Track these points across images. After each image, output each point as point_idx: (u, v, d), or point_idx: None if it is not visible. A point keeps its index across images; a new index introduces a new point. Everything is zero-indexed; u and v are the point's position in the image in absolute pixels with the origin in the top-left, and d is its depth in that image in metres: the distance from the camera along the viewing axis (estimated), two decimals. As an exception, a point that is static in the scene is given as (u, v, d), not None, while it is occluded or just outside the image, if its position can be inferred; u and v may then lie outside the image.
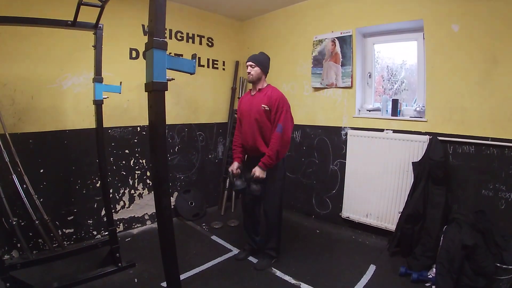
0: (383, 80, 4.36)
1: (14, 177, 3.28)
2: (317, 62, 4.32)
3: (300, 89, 4.60)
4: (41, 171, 3.59)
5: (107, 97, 3.14)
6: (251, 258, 3.53)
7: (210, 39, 4.95)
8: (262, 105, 3.17)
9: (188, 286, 2.97)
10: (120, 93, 3.29)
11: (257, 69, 3.22)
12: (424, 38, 3.50)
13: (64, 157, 3.71)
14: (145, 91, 1.59)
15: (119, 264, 3.20)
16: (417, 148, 3.52)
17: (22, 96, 3.39)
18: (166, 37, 4.19)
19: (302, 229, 4.33)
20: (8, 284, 2.60)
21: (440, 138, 3.38)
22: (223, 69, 5.15)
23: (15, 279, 2.67)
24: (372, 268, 3.31)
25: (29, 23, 2.81)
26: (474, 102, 3.22)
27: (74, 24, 2.82)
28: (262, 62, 3.25)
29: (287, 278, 3.18)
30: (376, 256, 3.56)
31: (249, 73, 3.24)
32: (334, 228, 4.28)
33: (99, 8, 2.74)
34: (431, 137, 3.43)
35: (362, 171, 3.99)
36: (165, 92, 1.64)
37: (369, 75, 4.13)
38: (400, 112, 3.82)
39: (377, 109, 4.00)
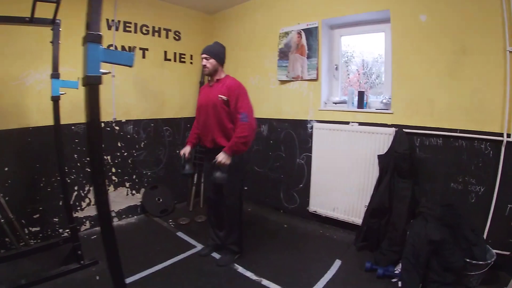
0: (358, 74, 3.87)
1: None
2: (283, 54, 3.79)
3: (266, 82, 4.06)
4: (6, 169, 3.12)
5: (65, 93, 2.77)
6: (215, 254, 3.10)
7: (177, 33, 4.34)
8: (219, 96, 2.74)
9: (149, 283, 2.63)
10: (77, 88, 2.77)
11: (212, 61, 2.78)
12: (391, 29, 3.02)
13: (29, 155, 3.24)
14: (82, 85, 1.40)
15: (81, 262, 2.84)
16: (383, 140, 3.05)
17: None
18: (131, 31, 3.71)
19: (270, 224, 3.83)
20: None
21: (406, 130, 2.93)
22: (191, 63, 4.54)
23: None
24: (337, 263, 2.90)
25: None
26: (442, 93, 2.77)
27: (31, 21, 2.53)
28: (217, 53, 2.81)
29: (248, 274, 2.79)
30: (343, 251, 3.12)
31: (204, 65, 2.79)
32: (302, 223, 3.79)
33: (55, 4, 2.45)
34: (396, 129, 2.96)
35: (328, 164, 3.50)
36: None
37: (336, 68, 3.63)
38: (366, 104, 3.34)
39: (344, 102, 3.50)
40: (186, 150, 2.95)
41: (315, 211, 3.66)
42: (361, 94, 3.32)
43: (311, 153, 3.65)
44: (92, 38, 1.38)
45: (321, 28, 3.46)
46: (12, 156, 3.14)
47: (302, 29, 3.58)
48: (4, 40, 2.99)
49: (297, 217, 3.89)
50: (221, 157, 2.60)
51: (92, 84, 1.42)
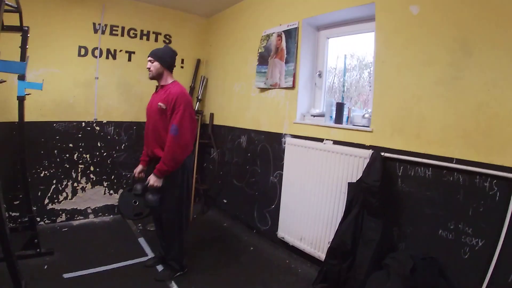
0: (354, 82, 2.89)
1: None
2: (263, 59, 2.94)
3: (248, 89, 3.21)
4: None
5: (30, 94, 2.49)
6: (160, 267, 2.47)
7: (167, 36, 3.68)
8: (159, 103, 2.16)
9: (84, 282, 2.22)
10: (41, 90, 2.49)
11: (156, 64, 2.21)
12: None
13: (13, 148, 2.83)
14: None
15: (38, 250, 2.56)
16: (357, 165, 2.08)
17: None
18: (118, 35, 3.00)
19: (237, 244, 2.98)
20: None
21: (386, 154, 1.93)
22: (182, 67, 3.84)
23: None
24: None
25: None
26: (435, 107, 1.76)
27: (2, 28, 2.21)
28: (162, 56, 2.23)
29: (180, 296, 2.13)
30: (301, 288, 2.20)
31: (148, 68, 2.23)
32: (271, 248, 2.87)
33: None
34: (373, 152, 1.96)
35: (298, 186, 2.56)
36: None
37: (319, 74, 2.69)
38: (348, 119, 2.38)
39: (323, 115, 2.55)
40: (137, 169, 2.43)
41: (283, 238, 2.72)
42: (339, 107, 2.36)
43: (283, 172, 2.74)
44: None
45: (301, 28, 2.56)
46: None
47: (283, 31, 2.71)
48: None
49: (267, 241, 2.96)
50: (152, 180, 2.11)
51: None
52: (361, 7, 2.12)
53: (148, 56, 2.23)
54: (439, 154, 1.71)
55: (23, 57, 2.37)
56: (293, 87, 2.65)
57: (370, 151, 2.00)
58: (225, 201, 3.63)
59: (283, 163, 2.72)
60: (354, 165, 2.10)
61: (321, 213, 2.34)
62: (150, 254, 2.68)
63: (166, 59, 2.23)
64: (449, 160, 1.67)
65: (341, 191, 2.17)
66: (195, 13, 3.84)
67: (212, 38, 3.91)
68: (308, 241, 2.46)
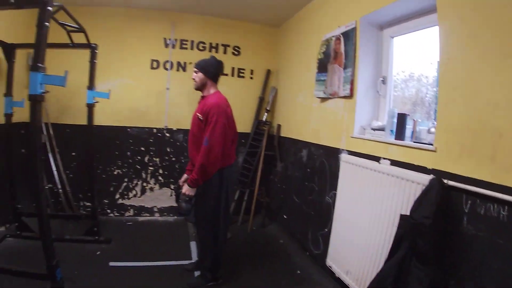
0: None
1: (50, 155, 3.41)
2: (322, 66, 2.75)
3: (310, 99, 3.04)
4: (73, 154, 3.58)
5: (98, 101, 2.94)
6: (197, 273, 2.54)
7: (236, 48, 3.86)
8: (197, 114, 2.29)
9: (120, 272, 2.49)
10: (108, 98, 2.98)
11: (200, 74, 2.33)
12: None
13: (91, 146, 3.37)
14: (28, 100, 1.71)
15: (96, 237, 2.99)
16: (414, 193, 1.69)
17: (63, 97, 3.42)
18: (187, 48, 3.51)
19: (285, 264, 2.84)
20: (17, 224, 2.91)
21: (450, 182, 1.52)
22: (251, 78, 3.94)
23: (23, 223, 2.91)
24: None
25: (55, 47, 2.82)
26: (519, 121, 1.29)
27: (74, 46, 2.82)
28: (205, 66, 2.34)
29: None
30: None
31: (193, 79, 2.38)
32: (318, 275, 2.63)
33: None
34: (432, 178, 1.58)
35: (349, 211, 2.28)
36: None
37: (383, 81, 2.35)
38: (413, 133, 1.99)
39: (383, 129, 2.21)
40: (182, 179, 2.55)
41: (330, 267, 2.45)
42: (401, 118, 2.00)
43: (337, 192, 2.48)
44: (34, 68, 1.70)
45: (358, 28, 2.29)
46: (78, 144, 3.48)
47: (341, 33, 2.49)
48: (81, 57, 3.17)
49: (317, 266, 2.73)
50: (184, 189, 2.24)
51: (34, 100, 1.73)
52: None
53: (193, 67, 2.37)
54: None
55: (92, 70, 2.85)
56: (351, 96, 2.38)
57: (430, 177, 1.62)
58: (285, 216, 3.52)
59: (338, 183, 2.47)
60: (411, 192, 1.72)
61: (370, 246, 2.00)
62: (195, 259, 2.80)
63: (210, 69, 2.33)
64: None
65: (393, 222, 1.82)
66: (263, 24, 3.92)
67: (281, 48, 3.91)
68: (354, 276, 2.14)
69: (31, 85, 1.73)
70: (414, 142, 1.87)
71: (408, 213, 1.67)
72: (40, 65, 1.72)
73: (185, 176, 2.54)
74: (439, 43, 1.66)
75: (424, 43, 2.07)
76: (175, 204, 3.81)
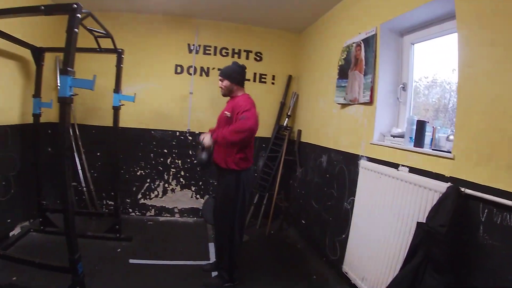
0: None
1: (76, 155, 3.58)
2: (343, 72, 2.77)
3: (330, 105, 3.07)
4: (98, 154, 3.76)
5: (123, 104, 3.09)
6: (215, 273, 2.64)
7: (258, 54, 3.95)
8: (225, 112, 2.44)
9: (139, 269, 2.63)
10: (134, 101, 3.13)
11: (226, 82, 2.45)
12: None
13: (115, 147, 3.45)
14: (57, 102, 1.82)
15: (117, 235, 3.13)
16: (432, 200, 1.71)
17: (90, 99, 3.62)
18: (210, 54, 3.66)
19: (302, 269, 2.88)
20: (41, 219, 3.09)
21: (467, 190, 1.52)
22: (272, 83, 4.02)
23: (47, 218, 3.11)
24: None
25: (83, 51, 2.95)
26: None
27: (101, 50, 2.97)
28: (229, 73, 2.46)
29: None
30: None
31: (220, 87, 2.51)
32: (334, 281, 2.64)
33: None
34: (449, 185, 1.58)
35: (367, 217, 2.29)
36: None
37: (403, 87, 2.35)
38: (433, 141, 1.99)
39: (403, 136, 2.21)
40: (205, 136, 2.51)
41: (346, 273, 2.46)
42: (420, 125, 2.00)
43: (355, 198, 2.49)
44: (63, 72, 1.80)
45: (379, 35, 2.31)
46: (103, 144, 3.67)
47: (361, 40, 2.51)
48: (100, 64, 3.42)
49: (333, 272, 2.74)
50: (206, 138, 2.35)
51: (63, 102, 1.83)
52: (439, 1, 1.76)
53: (219, 76, 2.49)
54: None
55: (118, 74, 3.00)
56: (371, 102, 2.40)
57: (448, 185, 1.62)
58: (303, 221, 3.55)
59: (356, 189, 2.48)
60: (428, 200, 1.72)
61: (386, 253, 2.01)
62: (213, 260, 2.87)
63: (234, 75, 2.44)
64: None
65: (410, 230, 1.82)
66: (285, 30, 3.99)
67: (302, 53, 3.97)
68: (369, 283, 2.14)
69: (61, 88, 1.83)
70: (433, 149, 1.87)
71: (424, 221, 1.68)
72: (69, 69, 1.80)
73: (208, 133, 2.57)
74: (458, 49, 1.66)
75: (447, 49, 2.07)
76: (195, 206, 3.97)
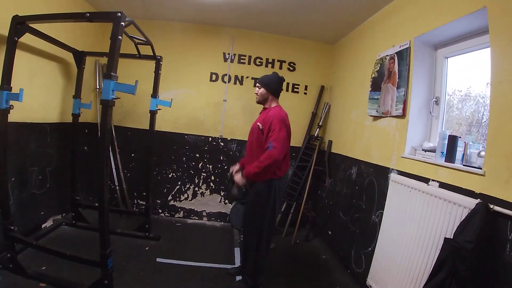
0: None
1: (111, 154, 3.87)
2: (376, 85, 2.84)
3: (363, 117, 3.14)
4: (132, 155, 4.02)
5: (160, 109, 3.30)
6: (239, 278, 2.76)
7: (292, 64, 4.10)
8: (258, 123, 2.55)
9: (166, 268, 2.79)
10: (170, 106, 3.32)
11: (262, 90, 2.60)
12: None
13: (150, 149, 3.67)
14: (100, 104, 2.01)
15: (146, 234, 3.32)
16: (460, 217, 1.74)
17: (127, 103, 3.88)
18: (245, 63, 3.89)
19: (325, 281, 2.93)
20: (73, 214, 3.35)
21: (496, 208, 1.56)
22: (305, 93, 4.15)
23: (79, 213, 3.36)
24: None
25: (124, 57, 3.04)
26: None
27: (141, 57, 3.19)
28: (267, 82, 2.60)
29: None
30: None
31: (256, 93, 2.66)
32: (358, 295, 2.67)
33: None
34: (478, 202, 1.62)
35: (395, 231, 2.33)
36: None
37: (436, 101, 2.38)
38: (464, 156, 2.01)
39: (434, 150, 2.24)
40: (235, 169, 2.76)
41: (370, 286, 2.49)
42: (452, 140, 2.03)
43: (384, 211, 2.53)
44: (107, 76, 1.92)
45: (412, 48, 2.37)
46: (139, 146, 3.96)
47: (395, 53, 2.58)
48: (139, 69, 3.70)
49: (356, 285, 2.80)
50: (237, 177, 2.51)
51: (105, 104, 1.96)
52: (473, 15, 1.82)
53: (257, 83, 2.65)
54: None
55: (156, 80, 3.22)
56: (403, 115, 2.45)
57: (477, 201, 1.65)
58: (329, 232, 3.60)
59: (385, 202, 2.53)
60: (457, 216, 1.76)
61: (412, 267, 2.04)
62: (238, 264, 3.00)
63: (271, 85, 2.59)
64: None
65: (438, 246, 1.85)
66: (319, 41, 4.11)
67: (335, 64, 4.07)
68: (395, 299, 2.17)
69: (104, 91, 1.95)
70: (464, 165, 1.90)
71: (452, 237, 1.71)
72: (113, 73, 1.92)
73: (237, 166, 2.75)
74: (491, 65, 1.71)
75: (482, 62, 2.10)
76: (223, 210, 4.14)
